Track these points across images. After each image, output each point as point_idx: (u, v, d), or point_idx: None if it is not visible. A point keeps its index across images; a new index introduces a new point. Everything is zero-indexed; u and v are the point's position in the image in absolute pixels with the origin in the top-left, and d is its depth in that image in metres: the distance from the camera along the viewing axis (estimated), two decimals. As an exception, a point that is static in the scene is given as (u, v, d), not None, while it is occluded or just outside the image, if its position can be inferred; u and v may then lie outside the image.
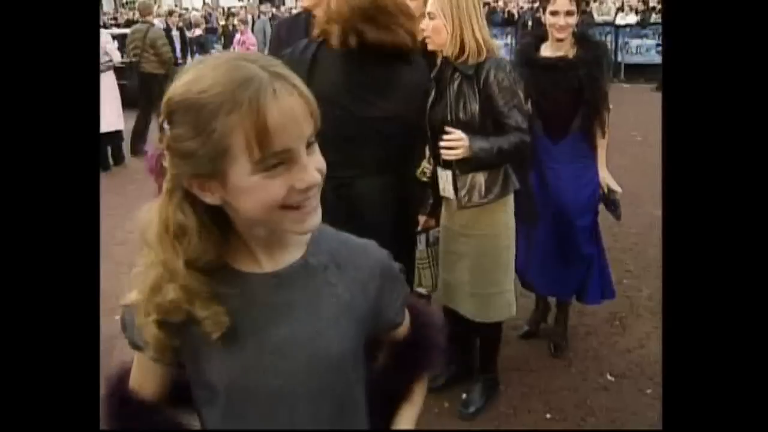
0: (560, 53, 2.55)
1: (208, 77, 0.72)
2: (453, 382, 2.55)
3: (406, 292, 0.95)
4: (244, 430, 0.85)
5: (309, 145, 0.76)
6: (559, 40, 2.52)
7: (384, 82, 1.79)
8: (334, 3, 1.77)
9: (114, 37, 9.87)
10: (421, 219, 2.41)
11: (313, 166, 0.76)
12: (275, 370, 0.82)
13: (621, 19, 12.58)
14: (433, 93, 2.14)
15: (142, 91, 7.07)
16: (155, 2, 8.73)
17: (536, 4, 11.98)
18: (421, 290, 2.49)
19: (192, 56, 8.96)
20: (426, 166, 2.36)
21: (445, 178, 2.21)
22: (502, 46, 11.63)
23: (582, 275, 2.69)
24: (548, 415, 2.46)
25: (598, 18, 12.60)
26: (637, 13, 12.78)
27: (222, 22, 9.48)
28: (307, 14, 2.50)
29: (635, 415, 2.43)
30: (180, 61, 8.82)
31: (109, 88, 6.40)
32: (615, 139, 2.92)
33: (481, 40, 2.07)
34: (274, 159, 0.72)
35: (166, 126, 0.74)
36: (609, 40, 11.24)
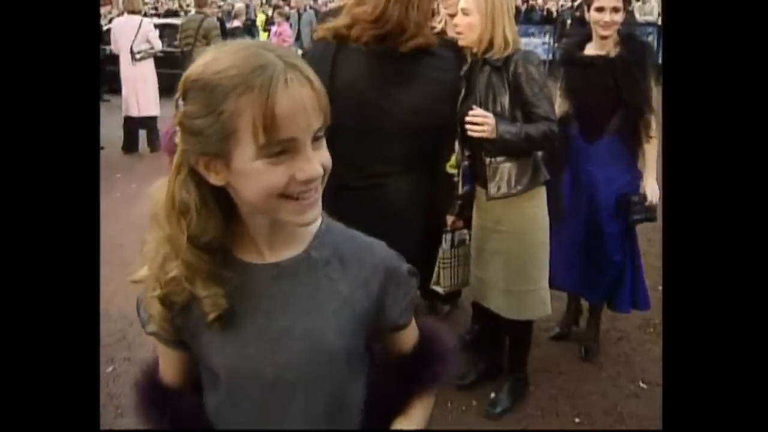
0: (603, 52, 2.49)
1: (225, 60, 0.74)
2: (482, 380, 2.54)
3: (414, 294, 0.93)
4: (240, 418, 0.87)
5: (316, 139, 0.76)
6: (603, 38, 2.46)
7: (411, 76, 1.77)
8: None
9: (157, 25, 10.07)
10: (449, 219, 2.40)
11: (318, 159, 0.76)
12: (271, 359, 0.83)
13: (664, 20, 12.28)
14: (463, 89, 2.15)
15: None
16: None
17: (576, 2, 11.78)
18: (438, 289, 2.48)
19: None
20: (454, 159, 2.34)
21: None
22: (540, 44, 11.47)
23: (612, 281, 2.63)
24: (577, 420, 2.43)
25: (639, 18, 12.31)
26: (680, 13, 12.45)
27: (262, 15, 9.54)
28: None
29: (667, 424, 2.38)
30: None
31: (148, 74, 6.66)
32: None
33: (509, 38, 2.11)
34: (278, 146, 0.73)
35: (180, 102, 0.76)
36: (651, 40, 10.98)
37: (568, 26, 11.10)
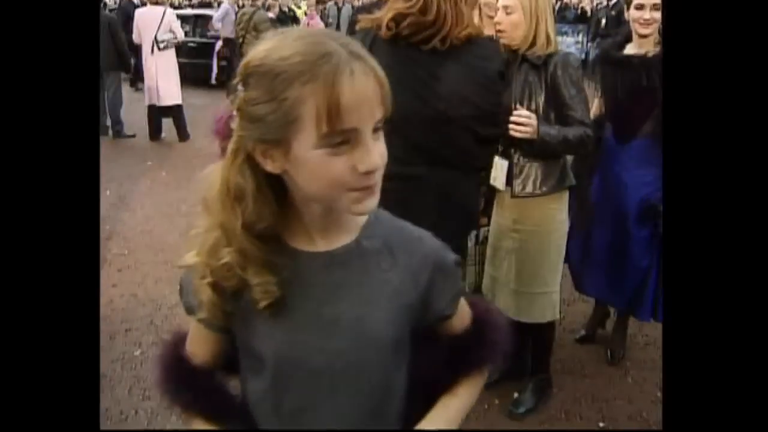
0: (642, 51, 2.41)
1: (289, 47, 0.73)
2: (505, 379, 2.52)
3: (460, 285, 0.94)
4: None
5: (375, 130, 0.76)
6: (643, 37, 2.39)
7: (456, 66, 1.74)
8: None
9: (184, 17, 10.20)
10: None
11: (377, 151, 0.76)
12: (320, 347, 0.83)
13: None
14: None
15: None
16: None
17: (612, 1, 11.57)
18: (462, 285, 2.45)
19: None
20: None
21: (500, 167, 2.18)
22: (573, 43, 11.31)
23: (635, 286, 2.55)
24: (601, 424, 2.39)
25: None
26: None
27: (303, 6, 9.55)
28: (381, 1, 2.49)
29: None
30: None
31: (170, 64, 6.78)
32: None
33: (551, 36, 2.10)
34: (340, 137, 0.72)
35: (240, 88, 0.75)
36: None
37: (603, 25, 10.91)
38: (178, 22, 6.98)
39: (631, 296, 2.59)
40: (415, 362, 0.93)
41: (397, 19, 1.69)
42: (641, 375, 2.70)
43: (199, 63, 9.66)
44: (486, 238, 2.42)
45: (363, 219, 0.86)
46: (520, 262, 2.20)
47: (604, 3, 13.18)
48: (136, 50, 7.19)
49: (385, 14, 1.71)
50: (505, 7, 2.08)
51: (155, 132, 6.92)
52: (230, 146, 0.78)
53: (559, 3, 13.98)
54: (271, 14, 9.23)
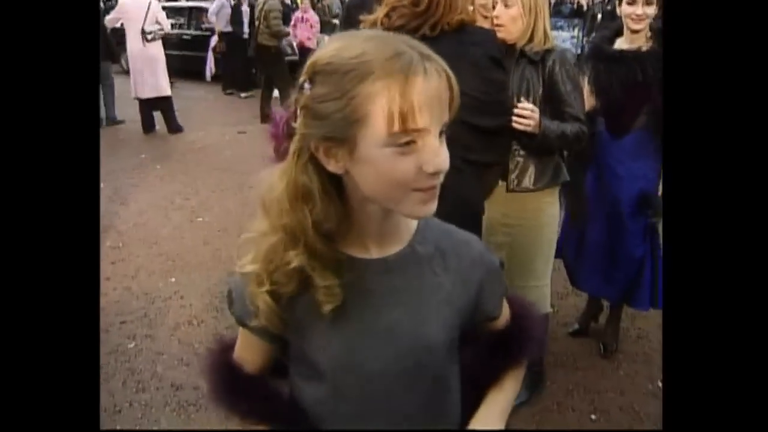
0: (634, 46, 2.43)
1: (358, 46, 0.73)
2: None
3: (505, 286, 0.95)
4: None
5: (441, 133, 0.75)
6: (635, 32, 2.41)
7: (451, 53, 1.72)
8: None
9: (179, 9, 10.11)
10: None
11: (444, 153, 0.75)
12: (378, 353, 0.83)
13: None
14: None
15: (258, 62, 7.58)
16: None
17: (607, -4, 11.57)
18: None
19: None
20: None
21: None
22: (568, 38, 11.30)
23: (630, 277, 2.59)
24: (593, 416, 2.41)
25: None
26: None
27: (302, 1, 9.51)
28: None
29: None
30: (245, 36, 8.93)
31: (158, 55, 6.70)
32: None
33: (548, 31, 2.11)
34: (409, 136, 0.71)
35: (306, 86, 0.75)
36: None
37: (598, 20, 10.91)
38: (164, 13, 6.89)
39: (626, 288, 2.62)
40: (462, 360, 0.94)
41: (390, 13, 1.70)
42: (633, 368, 2.72)
43: (193, 56, 9.60)
44: None
45: (414, 224, 0.87)
46: (511, 256, 2.20)
47: (600, -3, 13.18)
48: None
49: (381, 11, 1.72)
50: (504, 1, 2.07)
51: (148, 125, 6.88)
52: (293, 146, 0.77)
53: (554, -3, 13.96)
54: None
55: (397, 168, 0.72)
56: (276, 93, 7.82)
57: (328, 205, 0.77)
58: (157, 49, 6.70)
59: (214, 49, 9.41)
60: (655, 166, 2.51)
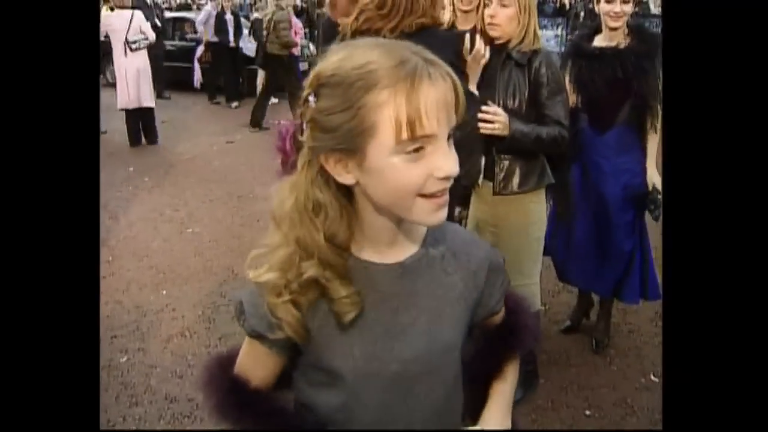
0: (612, 43, 2.48)
1: (362, 55, 0.73)
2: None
3: (508, 282, 0.97)
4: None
5: (449, 137, 0.75)
6: (613, 30, 2.46)
7: None
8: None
9: (166, 19, 10.10)
10: (456, 209, 2.40)
11: (453, 157, 0.75)
12: (396, 356, 0.84)
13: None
14: (478, 80, 2.13)
15: (266, 71, 7.64)
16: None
17: (589, -5, 11.65)
18: None
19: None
20: None
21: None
22: (552, 37, 11.37)
23: (620, 271, 2.62)
24: (587, 412, 2.42)
25: (654, 9, 12.16)
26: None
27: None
28: None
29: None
30: (240, 45, 8.93)
31: (142, 65, 6.73)
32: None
33: (537, 31, 2.13)
34: (418, 143, 0.71)
35: (311, 99, 0.75)
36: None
37: (581, 19, 10.99)
38: (148, 24, 6.94)
39: (616, 282, 2.65)
40: (463, 356, 0.95)
41: (359, 16, 1.78)
42: (625, 362, 2.74)
43: (178, 66, 9.58)
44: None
45: (422, 228, 0.87)
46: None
47: (582, -4, 13.27)
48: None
49: (354, 13, 1.80)
50: (501, 1, 2.08)
51: (135, 137, 6.85)
52: (301, 159, 0.78)
53: (537, -3, 14.03)
54: (258, 15, 9.22)
55: (408, 176, 0.73)
56: (273, 100, 7.90)
57: (340, 216, 0.78)
58: (142, 59, 6.73)
59: (199, 59, 9.39)
60: (639, 160, 2.55)
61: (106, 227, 4.33)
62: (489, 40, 2.15)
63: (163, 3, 15.73)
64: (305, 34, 9.77)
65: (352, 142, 0.72)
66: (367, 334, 0.83)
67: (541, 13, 12.53)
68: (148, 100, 6.78)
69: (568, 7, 13.23)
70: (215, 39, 9.00)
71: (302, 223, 0.77)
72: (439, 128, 0.72)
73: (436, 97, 0.71)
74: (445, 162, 0.73)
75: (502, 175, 2.16)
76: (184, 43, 10.08)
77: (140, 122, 6.84)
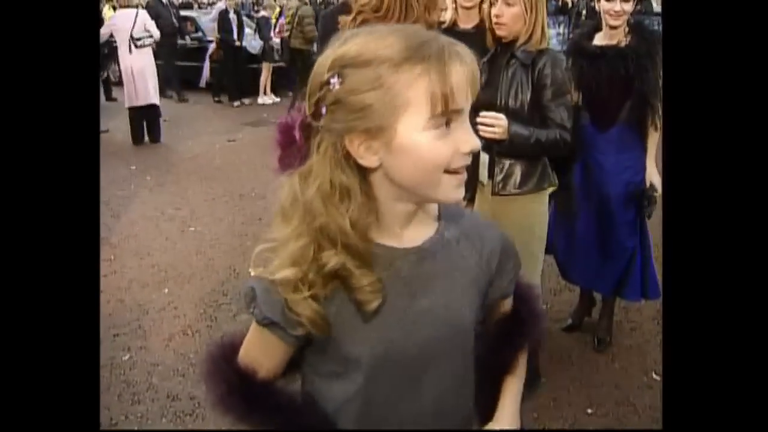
0: (613, 42, 2.49)
1: (386, 37, 0.74)
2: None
3: (519, 265, 0.96)
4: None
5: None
6: (613, 28, 2.46)
7: None
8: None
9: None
10: (462, 204, 2.40)
11: (473, 133, 0.77)
12: (413, 340, 0.84)
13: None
14: (484, 77, 2.13)
15: (291, 66, 7.85)
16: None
17: (591, -7, 11.61)
18: None
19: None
20: None
21: (482, 161, 2.20)
22: (554, 35, 11.35)
23: (621, 269, 2.63)
24: (589, 410, 2.42)
25: (656, 7, 12.13)
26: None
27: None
28: (341, 6, 2.53)
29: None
30: (237, 42, 8.94)
31: (147, 63, 6.77)
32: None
33: (545, 30, 2.11)
34: (447, 117, 0.74)
35: (334, 81, 0.74)
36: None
37: (583, 17, 10.97)
38: (153, 22, 6.99)
39: (617, 280, 2.65)
40: (480, 344, 0.95)
41: (356, 17, 1.80)
42: (628, 360, 2.73)
43: (180, 65, 9.58)
44: None
45: (436, 211, 0.88)
46: None
47: (584, -6, 13.23)
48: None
49: (352, 14, 1.83)
50: (506, 0, 2.07)
51: (138, 135, 6.87)
52: (322, 144, 0.76)
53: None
54: (265, 13, 9.28)
55: (438, 151, 0.74)
56: (276, 99, 7.91)
57: (365, 202, 0.77)
58: (147, 57, 6.77)
59: (211, 57, 9.42)
60: (640, 158, 2.56)
61: (107, 225, 4.33)
62: (496, 39, 2.15)
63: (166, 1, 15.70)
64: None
65: (384, 120, 0.73)
66: (387, 320, 0.82)
67: (542, 11, 12.48)
68: (154, 97, 6.80)
69: (570, 5, 13.19)
70: (218, 37, 9.02)
71: (327, 210, 0.76)
72: (465, 103, 0.75)
73: (463, 74, 0.74)
74: (470, 137, 0.76)
75: (501, 175, 2.16)
76: (183, 42, 10.06)
77: (144, 120, 6.85)
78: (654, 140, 2.53)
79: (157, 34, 6.95)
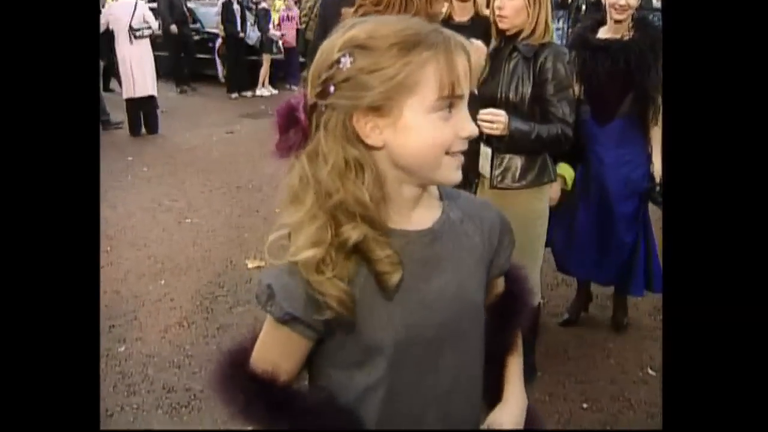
0: (617, 36, 2.49)
1: (395, 23, 0.79)
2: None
3: (514, 242, 0.99)
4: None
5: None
6: (618, 22, 2.46)
7: None
8: None
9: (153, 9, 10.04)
10: None
11: (471, 120, 0.81)
12: (432, 321, 0.85)
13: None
14: (487, 69, 2.13)
15: (308, 57, 7.67)
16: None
17: (592, -13, 11.56)
18: None
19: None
20: None
21: (484, 155, 2.19)
22: (554, 30, 11.31)
23: (621, 263, 2.63)
24: (584, 405, 2.43)
25: (656, 3, 12.08)
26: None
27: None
28: None
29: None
30: (241, 34, 8.90)
31: (145, 54, 6.73)
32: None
33: (549, 24, 2.10)
34: (451, 101, 0.78)
35: (344, 59, 0.76)
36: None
37: (583, 11, 10.92)
38: (151, 13, 6.96)
39: (617, 273, 2.67)
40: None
41: (358, 9, 1.81)
42: (623, 356, 2.73)
43: (179, 56, 9.53)
44: None
45: (437, 194, 0.91)
46: None
47: (584, -11, 13.18)
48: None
49: (354, 8, 1.85)
50: None
51: (135, 126, 6.84)
52: (330, 122, 0.78)
53: (539, -11, 13.93)
54: (265, 5, 9.21)
55: (440, 133, 0.79)
56: (274, 91, 7.88)
57: (376, 174, 0.79)
58: (145, 48, 6.72)
59: (218, 51, 9.40)
60: (640, 152, 2.57)
61: (104, 217, 4.31)
62: (499, 32, 2.13)
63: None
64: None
65: (391, 99, 0.76)
66: (407, 303, 0.83)
67: (542, 5, 12.44)
68: (151, 89, 6.77)
69: (570, 0, 13.14)
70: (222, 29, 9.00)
71: (344, 186, 0.77)
72: (466, 89, 0.80)
73: (464, 61, 0.79)
74: (468, 123, 0.81)
75: (500, 169, 2.15)
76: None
77: (141, 111, 6.81)
78: (658, 135, 2.53)
79: (155, 25, 6.91)
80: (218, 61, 9.52)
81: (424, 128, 0.78)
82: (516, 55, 2.09)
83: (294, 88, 8.84)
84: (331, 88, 0.77)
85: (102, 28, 6.69)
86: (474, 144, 2.24)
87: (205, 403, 2.38)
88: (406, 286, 0.82)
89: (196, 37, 9.80)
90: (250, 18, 9.31)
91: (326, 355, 0.87)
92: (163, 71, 8.07)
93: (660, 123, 2.49)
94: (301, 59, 8.97)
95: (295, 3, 9.46)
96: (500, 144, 2.09)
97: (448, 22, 2.37)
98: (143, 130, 6.87)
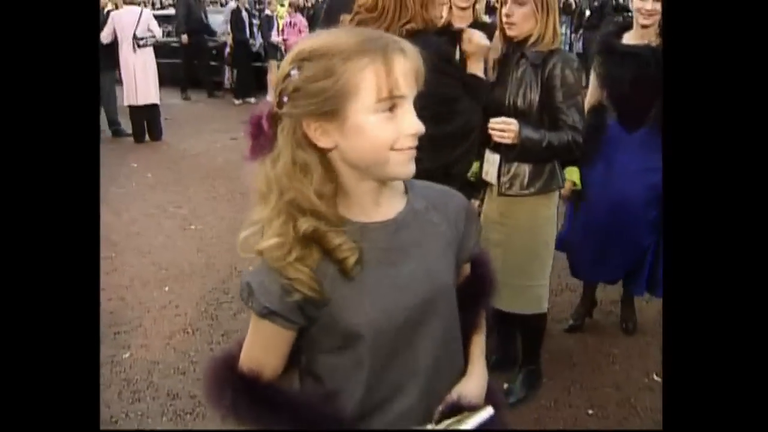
0: (644, 41, 2.45)
1: (341, 35, 0.85)
2: (495, 370, 2.53)
3: (481, 227, 1.05)
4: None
5: (414, 102, 0.87)
6: (645, 27, 2.42)
7: None
8: None
9: (167, 17, 10.13)
10: (474, 203, 2.38)
11: (416, 118, 0.87)
12: (404, 304, 0.92)
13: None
14: (494, 76, 2.13)
15: None
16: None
17: (595, -7, 11.56)
18: None
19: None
20: (477, 167, 2.28)
21: (491, 161, 2.19)
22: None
23: (631, 262, 2.62)
24: (590, 411, 2.42)
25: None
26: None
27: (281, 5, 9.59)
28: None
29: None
30: (250, 41, 8.93)
31: (148, 62, 6.78)
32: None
33: (557, 30, 2.10)
34: (392, 102, 0.83)
35: (294, 72, 0.84)
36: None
37: (586, 17, 10.93)
38: (155, 21, 6.99)
39: (623, 272, 2.68)
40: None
41: (355, 16, 1.82)
42: (629, 362, 2.72)
43: (175, 63, 9.56)
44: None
45: (401, 187, 0.97)
46: (506, 254, 2.20)
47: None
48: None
49: (351, 15, 1.85)
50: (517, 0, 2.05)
51: (139, 133, 6.87)
52: (285, 128, 0.86)
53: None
54: (269, 12, 9.27)
55: (383, 132, 0.84)
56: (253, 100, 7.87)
57: (325, 176, 0.87)
58: (148, 56, 6.78)
59: (226, 60, 9.45)
60: None
61: (108, 223, 4.33)
62: (507, 39, 2.13)
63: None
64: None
65: (335, 104, 0.83)
66: (376, 289, 0.90)
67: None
68: (154, 97, 6.80)
69: (573, 5, 13.15)
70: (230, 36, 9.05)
71: (292, 184, 0.85)
72: (408, 90, 0.85)
73: (407, 63, 0.84)
74: (412, 120, 0.86)
75: (509, 176, 2.15)
76: (170, 39, 10.03)
77: (145, 119, 6.84)
78: None
79: (159, 33, 6.94)
80: (226, 68, 9.56)
81: (368, 129, 0.84)
82: (524, 62, 2.08)
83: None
84: (285, 98, 0.85)
85: (110, 38, 6.71)
86: (480, 149, 2.24)
87: (210, 409, 2.37)
88: (375, 274, 0.89)
89: (211, 44, 9.85)
90: (255, 24, 9.39)
91: (312, 342, 0.95)
92: (169, 78, 8.13)
93: None
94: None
95: (296, 11, 9.49)
96: (511, 154, 2.08)
97: (447, 28, 2.38)
98: (147, 137, 6.90)
